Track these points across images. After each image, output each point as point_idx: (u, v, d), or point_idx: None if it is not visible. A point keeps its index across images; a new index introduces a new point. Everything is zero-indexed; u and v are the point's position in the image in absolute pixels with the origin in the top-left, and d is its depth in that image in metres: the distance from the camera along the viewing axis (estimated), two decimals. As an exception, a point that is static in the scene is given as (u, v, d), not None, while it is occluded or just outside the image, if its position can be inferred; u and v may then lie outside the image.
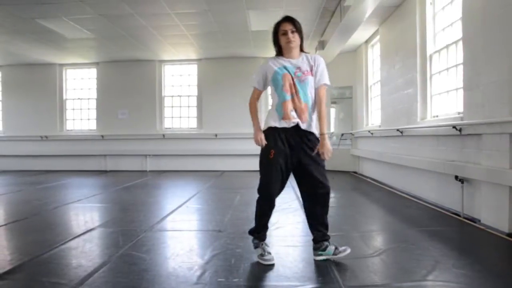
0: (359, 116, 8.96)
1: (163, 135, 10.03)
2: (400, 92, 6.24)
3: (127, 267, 2.68)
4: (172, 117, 10.38)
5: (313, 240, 2.84)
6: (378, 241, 3.45)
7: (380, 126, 7.35)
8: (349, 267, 2.65)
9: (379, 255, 2.89)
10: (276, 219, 4.18)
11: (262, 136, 2.73)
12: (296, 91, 2.66)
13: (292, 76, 2.67)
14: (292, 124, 2.67)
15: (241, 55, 9.76)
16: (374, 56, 8.22)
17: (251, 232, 2.89)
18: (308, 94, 2.69)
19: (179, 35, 7.94)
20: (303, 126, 2.68)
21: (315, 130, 2.75)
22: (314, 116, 2.75)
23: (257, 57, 9.91)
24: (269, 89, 2.87)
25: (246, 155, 9.52)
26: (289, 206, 4.95)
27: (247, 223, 3.98)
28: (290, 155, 2.70)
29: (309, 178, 2.72)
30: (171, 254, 3.03)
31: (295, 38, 2.68)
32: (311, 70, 2.71)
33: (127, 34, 7.72)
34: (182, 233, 3.76)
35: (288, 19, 2.72)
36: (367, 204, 5.50)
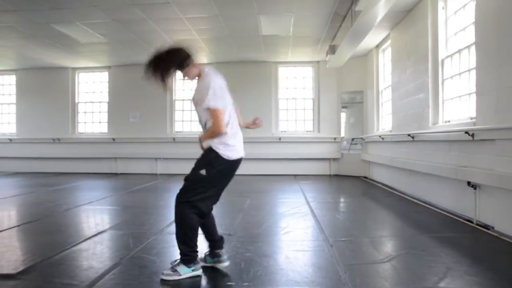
0: (369, 121, 8.92)
1: (174, 139, 10.09)
2: (412, 97, 6.20)
3: (138, 269, 2.70)
4: (182, 121, 10.44)
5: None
6: (388, 247, 3.42)
7: (391, 131, 7.30)
8: (359, 273, 2.63)
9: (390, 261, 2.87)
10: (285, 224, 4.18)
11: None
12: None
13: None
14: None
15: (251, 60, 9.78)
16: (385, 60, 8.18)
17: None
18: (202, 119, 2.63)
19: (191, 40, 7.98)
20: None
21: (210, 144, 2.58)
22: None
23: (267, 61, 9.93)
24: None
25: (256, 159, 9.56)
26: (299, 210, 4.94)
27: (257, 227, 3.99)
28: None
29: None
30: (181, 257, 3.04)
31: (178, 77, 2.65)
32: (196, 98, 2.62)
33: (139, 38, 7.81)
34: (192, 236, 3.77)
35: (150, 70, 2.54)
36: (378, 209, 5.45)
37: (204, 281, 2.49)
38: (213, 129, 2.51)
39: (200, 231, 2.65)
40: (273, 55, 9.47)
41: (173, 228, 4.01)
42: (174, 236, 3.70)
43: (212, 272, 2.65)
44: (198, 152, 2.59)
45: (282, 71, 10.26)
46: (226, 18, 6.71)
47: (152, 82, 2.53)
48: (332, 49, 7.80)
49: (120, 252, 3.14)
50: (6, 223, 4.34)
